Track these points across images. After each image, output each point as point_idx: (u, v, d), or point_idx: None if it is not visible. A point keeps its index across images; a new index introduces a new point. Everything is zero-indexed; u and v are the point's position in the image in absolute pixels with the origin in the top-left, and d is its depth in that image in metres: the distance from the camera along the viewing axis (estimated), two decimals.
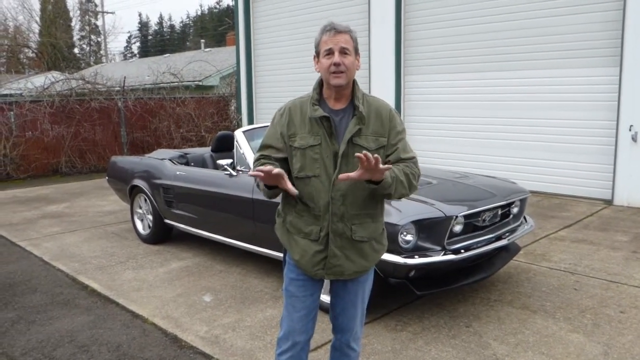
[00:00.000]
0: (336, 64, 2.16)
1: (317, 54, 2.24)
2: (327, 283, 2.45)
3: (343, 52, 2.18)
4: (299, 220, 2.28)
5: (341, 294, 2.38)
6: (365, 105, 2.24)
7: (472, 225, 3.91)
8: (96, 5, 46.03)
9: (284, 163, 2.29)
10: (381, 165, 1.99)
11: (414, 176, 2.24)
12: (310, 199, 2.23)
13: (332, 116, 2.21)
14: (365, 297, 2.43)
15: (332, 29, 2.18)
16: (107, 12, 58.73)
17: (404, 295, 4.14)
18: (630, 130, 7.39)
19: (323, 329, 3.62)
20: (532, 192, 7.21)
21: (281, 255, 2.47)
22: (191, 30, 66.01)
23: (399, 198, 2.21)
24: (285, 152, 2.28)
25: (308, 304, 2.34)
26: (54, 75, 14.66)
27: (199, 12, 67.73)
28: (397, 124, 2.29)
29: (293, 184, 2.18)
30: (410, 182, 2.22)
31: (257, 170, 2.05)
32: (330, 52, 2.17)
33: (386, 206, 3.64)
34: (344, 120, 2.23)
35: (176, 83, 15.18)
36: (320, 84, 2.29)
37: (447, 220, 3.62)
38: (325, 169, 2.20)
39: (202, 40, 33.11)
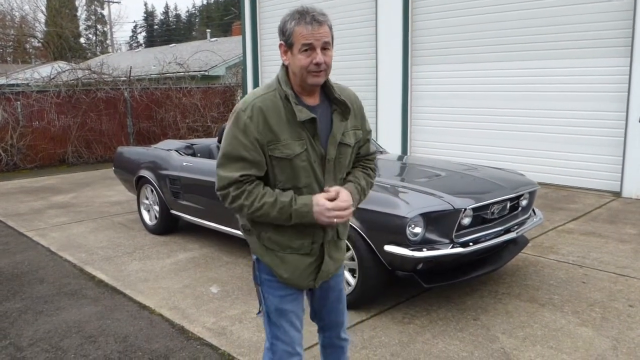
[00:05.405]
0: (318, 64, 1.87)
1: (289, 46, 1.90)
2: None
3: (325, 47, 1.88)
4: (282, 235, 2.02)
5: (326, 294, 2.24)
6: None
7: (480, 217, 3.88)
8: None
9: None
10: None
11: (373, 179, 2.22)
12: None
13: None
14: (343, 286, 2.34)
15: (314, 21, 1.85)
16: (113, 2, 58.46)
17: (412, 287, 4.12)
18: None
19: None
20: (540, 183, 7.15)
21: None
22: (197, 20, 65.93)
23: None
24: (263, 167, 1.93)
25: (301, 314, 2.17)
26: (60, 65, 14.66)
27: (205, 2, 67.53)
28: (364, 113, 2.15)
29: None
30: (369, 189, 2.19)
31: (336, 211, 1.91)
32: (310, 48, 1.86)
33: (394, 198, 3.64)
34: (322, 117, 1.98)
35: (182, 73, 15.16)
36: (287, 75, 1.97)
37: (455, 213, 3.59)
38: (315, 176, 1.97)
39: (208, 30, 32.98)
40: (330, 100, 2.02)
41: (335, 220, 1.91)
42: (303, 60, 1.87)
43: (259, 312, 2.14)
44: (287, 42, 1.90)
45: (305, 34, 1.85)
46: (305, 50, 1.86)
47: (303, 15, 1.87)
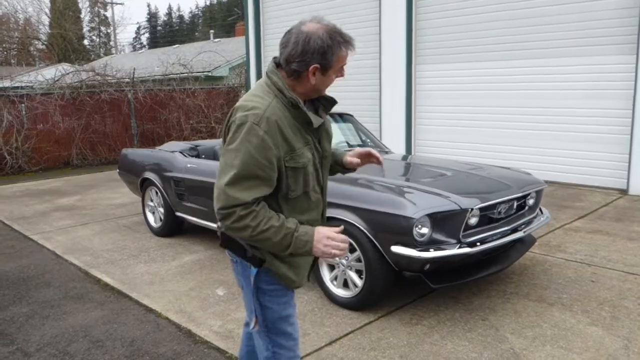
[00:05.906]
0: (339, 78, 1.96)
1: (326, 68, 1.84)
2: None
3: None
4: None
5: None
6: None
7: (487, 217, 3.85)
8: None
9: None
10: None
11: None
12: (310, 213, 2.01)
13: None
14: None
15: (353, 44, 1.89)
16: (116, 3, 58.77)
17: (419, 288, 4.10)
18: None
19: (337, 322, 3.60)
20: (546, 181, 7.12)
21: None
22: (200, 21, 66.01)
23: None
24: (274, 183, 1.85)
25: (296, 311, 2.14)
26: (64, 67, 14.70)
27: (208, 3, 67.61)
28: None
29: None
30: None
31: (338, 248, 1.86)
32: (343, 67, 1.92)
33: (400, 199, 3.62)
34: None
35: (186, 74, 15.16)
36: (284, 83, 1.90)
37: (462, 213, 3.56)
38: (317, 177, 1.99)
39: (211, 31, 33.03)
40: (312, 98, 2.00)
41: (332, 251, 1.84)
42: (333, 78, 1.90)
43: (254, 326, 2.06)
44: (327, 66, 1.84)
45: (345, 57, 1.88)
46: (339, 70, 1.90)
47: (345, 39, 1.85)
